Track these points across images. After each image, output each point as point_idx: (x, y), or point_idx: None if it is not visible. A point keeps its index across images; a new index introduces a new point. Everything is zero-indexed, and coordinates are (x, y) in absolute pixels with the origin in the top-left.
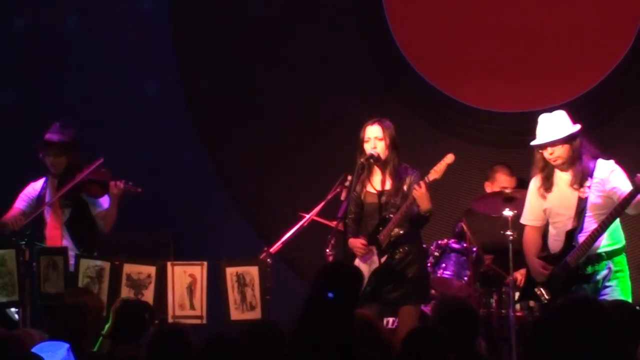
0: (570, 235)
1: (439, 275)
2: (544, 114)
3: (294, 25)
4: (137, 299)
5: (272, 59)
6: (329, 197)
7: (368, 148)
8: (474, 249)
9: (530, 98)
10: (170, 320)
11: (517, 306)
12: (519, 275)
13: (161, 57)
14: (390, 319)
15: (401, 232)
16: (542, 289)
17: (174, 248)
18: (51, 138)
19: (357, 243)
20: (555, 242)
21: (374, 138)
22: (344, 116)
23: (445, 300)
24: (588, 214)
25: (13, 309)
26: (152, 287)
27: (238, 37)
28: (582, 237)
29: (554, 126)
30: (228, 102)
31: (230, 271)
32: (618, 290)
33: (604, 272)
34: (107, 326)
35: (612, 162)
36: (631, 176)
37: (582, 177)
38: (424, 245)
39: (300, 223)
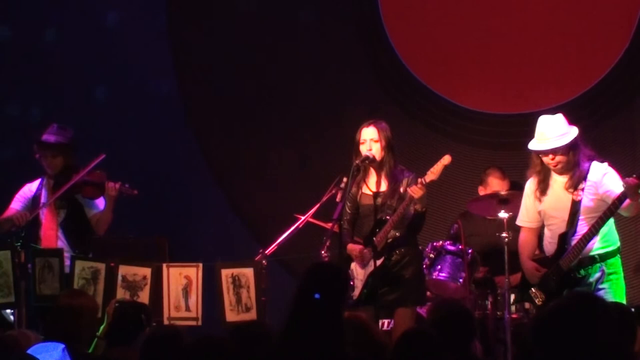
0: (564, 238)
1: (434, 277)
2: (543, 117)
3: (291, 27)
4: (133, 301)
5: (269, 61)
6: (325, 198)
7: (364, 150)
8: (470, 250)
9: (526, 100)
10: (165, 321)
11: (513, 308)
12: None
13: (158, 58)
14: (386, 321)
15: (397, 234)
16: (536, 291)
17: (170, 249)
18: (48, 139)
19: (354, 248)
20: (550, 244)
21: (370, 140)
22: (340, 118)
23: (441, 303)
24: (581, 217)
25: (8, 311)
26: (147, 288)
27: (236, 38)
28: (575, 240)
29: (555, 131)
30: (224, 104)
31: (226, 273)
32: (611, 292)
33: (597, 275)
34: (102, 328)
35: (605, 164)
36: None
37: (577, 181)
38: (420, 247)
39: (296, 225)
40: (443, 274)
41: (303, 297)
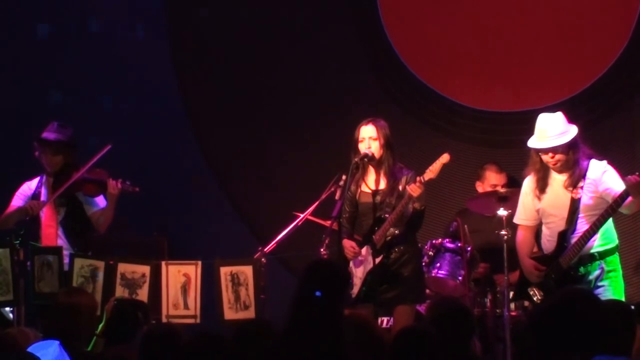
0: (563, 236)
1: (433, 274)
2: (542, 115)
3: (290, 26)
4: (132, 298)
5: (268, 60)
6: (324, 196)
7: (362, 148)
8: (469, 248)
9: (524, 98)
10: (164, 319)
11: (512, 306)
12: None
13: (157, 57)
14: (385, 319)
15: (396, 232)
16: (535, 289)
17: (169, 247)
18: (48, 137)
19: (348, 245)
20: (549, 242)
21: (368, 138)
22: (338, 116)
23: (440, 301)
24: (580, 215)
25: (7, 308)
26: (146, 286)
27: (236, 38)
28: (574, 238)
29: (555, 129)
30: (224, 103)
31: (225, 270)
32: (610, 290)
33: (596, 272)
34: (101, 325)
35: (604, 162)
36: (624, 176)
37: (577, 179)
38: (419, 245)
39: (295, 222)
40: (442, 272)
41: (304, 295)
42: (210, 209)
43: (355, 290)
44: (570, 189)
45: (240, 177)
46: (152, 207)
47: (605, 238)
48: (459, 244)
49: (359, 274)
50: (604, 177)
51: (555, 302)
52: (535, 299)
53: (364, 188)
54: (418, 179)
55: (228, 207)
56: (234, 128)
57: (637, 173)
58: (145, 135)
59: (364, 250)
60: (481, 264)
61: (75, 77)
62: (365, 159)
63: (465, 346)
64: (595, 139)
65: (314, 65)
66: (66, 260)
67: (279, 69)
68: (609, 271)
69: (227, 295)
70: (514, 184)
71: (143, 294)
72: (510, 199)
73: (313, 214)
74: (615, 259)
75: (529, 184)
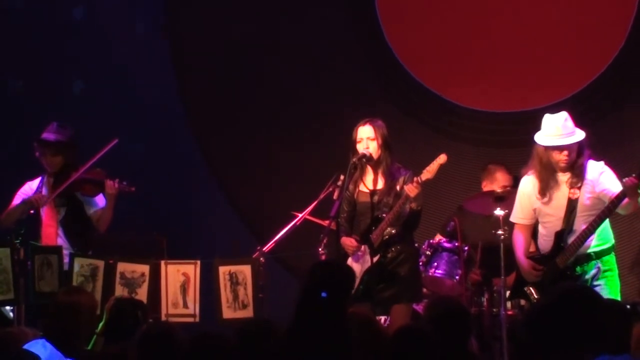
0: (560, 235)
1: (430, 274)
2: (552, 115)
3: (289, 26)
4: (131, 297)
5: (267, 60)
6: (322, 196)
7: (360, 148)
8: (466, 247)
9: (520, 98)
10: (163, 318)
11: (508, 304)
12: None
13: (156, 57)
14: (382, 318)
15: (393, 231)
16: (531, 288)
17: (168, 247)
18: (47, 137)
19: (348, 242)
20: (545, 241)
21: (366, 138)
22: (337, 116)
23: (437, 300)
24: (577, 215)
25: (8, 307)
26: (145, 285)
27: (236, 38)
28: (572, 238)
29: (568, 128)
30: (223, 102)
31: (223, 270)
32: (607, 289)
33: (592, 272)
34: (100, 324)
35: (602, 163)
36: (621, 177)
37: (577, 179)
38: (416, 245)
39: (293, 222)
40: (439, 271)
41: (309, 296)
42: (210, 209)
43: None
44: (570, 188)
45: (239, 177)
46: (152, 207)
47: (602, 238)
48: (456, 244)
49: (356, 272)
50: (601, 178)
51: (554, 299)
52: (531, 298)
53: (362, 188)
54: (415, 179)
55: (227, 207)
56: (233, 128)
57: (633, 175)
58: (145, 135)
59: (362, 248)
60: (477, 270)
61: (71, 76)
62: (363, 159)
63: (462, 345)
64: (592, 139)
65: (313, 66)
66: (66, 259)
67: (278, 70)
68: (605, 270)
69: (225, 294)
70: (516, 185)
71: (142, 293)
72: (507, 198)
73: (311, 213)
74: (611, 258)
75: (526, 183)
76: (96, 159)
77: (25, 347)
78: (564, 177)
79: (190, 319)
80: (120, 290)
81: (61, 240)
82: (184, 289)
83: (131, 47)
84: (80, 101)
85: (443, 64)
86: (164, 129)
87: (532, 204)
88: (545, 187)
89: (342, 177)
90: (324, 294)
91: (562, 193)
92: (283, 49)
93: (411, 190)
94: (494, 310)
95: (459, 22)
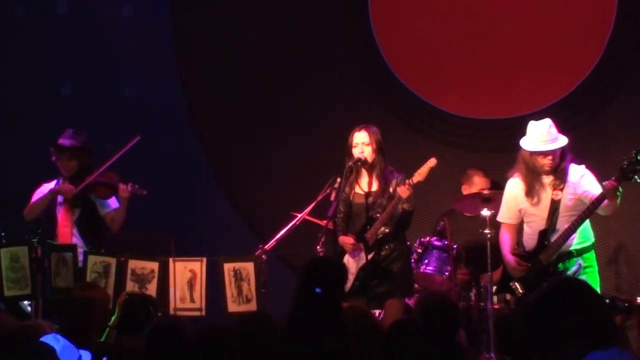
0: (543, 234)
1: (421, 270)
2: (536, 121)
3: (286, 32)
4: (142, 293)
5: (269, 63)
6: (320, 197)
7: (356, 152)
8: (455, 246)
9: (506, 105)
10: (172, 312)
11: (495, 299)
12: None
13: (159, 58)
14: (377, 311)
15: (387, 230)
16: (516, 284)
17: (176, 245)
18: (63, 143)
19: (346, 240)
20: (530, 240)
21: (362, 143)
22: (333, 122)
23: (428, 295)
24: (560, 215)
25: (25, 302)
26: (155, 281)
27: (236, 40)
28: (555, 237)
29: (553, 134)
30: (225, 104)
31: (228, 267)
32: None
33: (574, 268)
34: (113, 318)
35: (583, 167)
36: (601, 180)
37: (560, 181)
38: (408, 243)
39: (293, 222)
40: (430, 268)
41: (305, 292)
42: (215, 209)
43: (348, 284)
44: (553, 190)
45: (241, 178)
46: (161, 208)
47: (583, 237)
48: (446, 242)
49: (352, 269)
50: (582, 181)
51: (547, 292)
52: (517, 292)
53: (357, 190)
54: (407, 181)
55: (231, 208)
56: (236, 130)
57: (613, 178)
58: (151, 137)
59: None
60: (463, 269)
61: (73, 76)
62: (359, 163)
63: (451, 337)
64: (573, 144)
65: (312, 71)
66: (80, 257)
67: (278, 75)
68: (586, 267)
69: (230, 289)
70: (497, 188)
71: (152, 289)
72: (493, 200)
73: (310, 213)
74: (592, 255)
75: (512, 185)
76: (119, 155)
77: (42, 339)
78: (547, 180)
79: (197, 313)
80: (131, 286)
81: (76, 239)
82: (191, 284)
83: (134, 49)
84: (79, 101)
85: (433, 72)
86: (169, 132)
87: (518, 205)
88: (530, 189)
89: (338, 179)
90: (318, 290)
91: (546, 194)
92: (283, 50)
93: (403, 191)
94: (481, 304)
95: (448, 32)
